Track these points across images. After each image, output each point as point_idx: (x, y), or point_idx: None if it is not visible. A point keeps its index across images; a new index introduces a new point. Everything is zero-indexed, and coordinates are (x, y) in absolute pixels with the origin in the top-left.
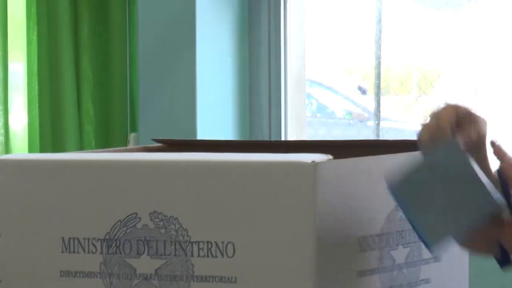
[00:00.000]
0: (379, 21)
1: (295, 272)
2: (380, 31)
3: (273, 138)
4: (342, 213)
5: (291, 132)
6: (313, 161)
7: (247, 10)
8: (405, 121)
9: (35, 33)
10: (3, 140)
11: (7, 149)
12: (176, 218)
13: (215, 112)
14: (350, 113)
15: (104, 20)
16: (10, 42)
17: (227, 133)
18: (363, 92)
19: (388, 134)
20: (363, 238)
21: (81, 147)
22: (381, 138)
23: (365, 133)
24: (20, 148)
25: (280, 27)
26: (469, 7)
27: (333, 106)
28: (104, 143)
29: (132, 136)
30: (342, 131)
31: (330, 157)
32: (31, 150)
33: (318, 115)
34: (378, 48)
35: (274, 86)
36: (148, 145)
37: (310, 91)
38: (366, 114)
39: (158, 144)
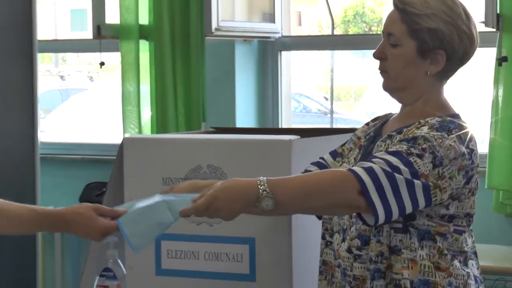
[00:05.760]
0: (332, 64)
1: None
2: (333, 70)
3: (274, 126)
4: (303, 164)
5: (284, 122)
6: (289, 139)
7: (261, 59)
8: (347, 115)
9: (154, 68)
10: (138, 127)
11: (140, 132)
12: (221, 168)
13: (245, 113)
14: (319, 110)
15: (189, 61)
16: (141, 74)
17: (251, 123)
18: (326, 99)
19: (337, 122)
20: None
21: (177, 130)
22: (334, 125)
23: (326, 121)
24: (146, 131)
25: (277, 68)
26: None
27: (311, 106)
28: (188, 128)
29: (203, 124)
30: (314, 120)
31: (298, 137)
32: (152, 132)
33: (303, 111)
34: (332, 78)
35: (275, 98)
36: (208, 129)
37: (299, 99)
38: (327, 111)
39: (213, 129)
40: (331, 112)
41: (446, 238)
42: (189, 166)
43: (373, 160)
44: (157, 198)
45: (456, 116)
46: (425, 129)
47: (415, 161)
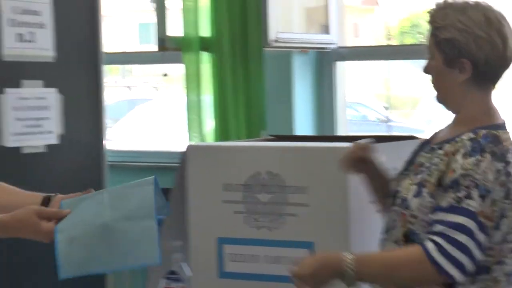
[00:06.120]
0: (389, 76)
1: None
2: (389, 81)
3: (330, 134)
4: None
5: (340, 130)
6: (346, 146)
7: (318, 69)
8: (404, 123)
9: (217, 80)
10: (200, 135)
11: (203, 141)
12: (279, 174)
13: (303, 121)
14: (378, 119)
15: (248, 71)
16: (203, 84)
17: (309, 131)
18: (385, 108)
19: (395, 129)
20: None
21: (238, 138)
22: (391, 133)
23: (383, 129)
24: (209, 140)
25: (332, 79)
26: None
27: (368, 115)
28: (249, 136)
29: (262, 132)
30: (373, 128)
31: None
32: (214, 141)
33: (362, 120)
34: (389, 88)
35: (331, 107)
36: (267, 137)
37: (357, 108)
38: (385, 119)
39: (272, 137)
40: (388, 120)
41: (503, 263)
42: (249, 173)
43: (435, 230)
44: (101, 216)
45: (495, 126)
46: (459, 159)
47: (468, 204)
